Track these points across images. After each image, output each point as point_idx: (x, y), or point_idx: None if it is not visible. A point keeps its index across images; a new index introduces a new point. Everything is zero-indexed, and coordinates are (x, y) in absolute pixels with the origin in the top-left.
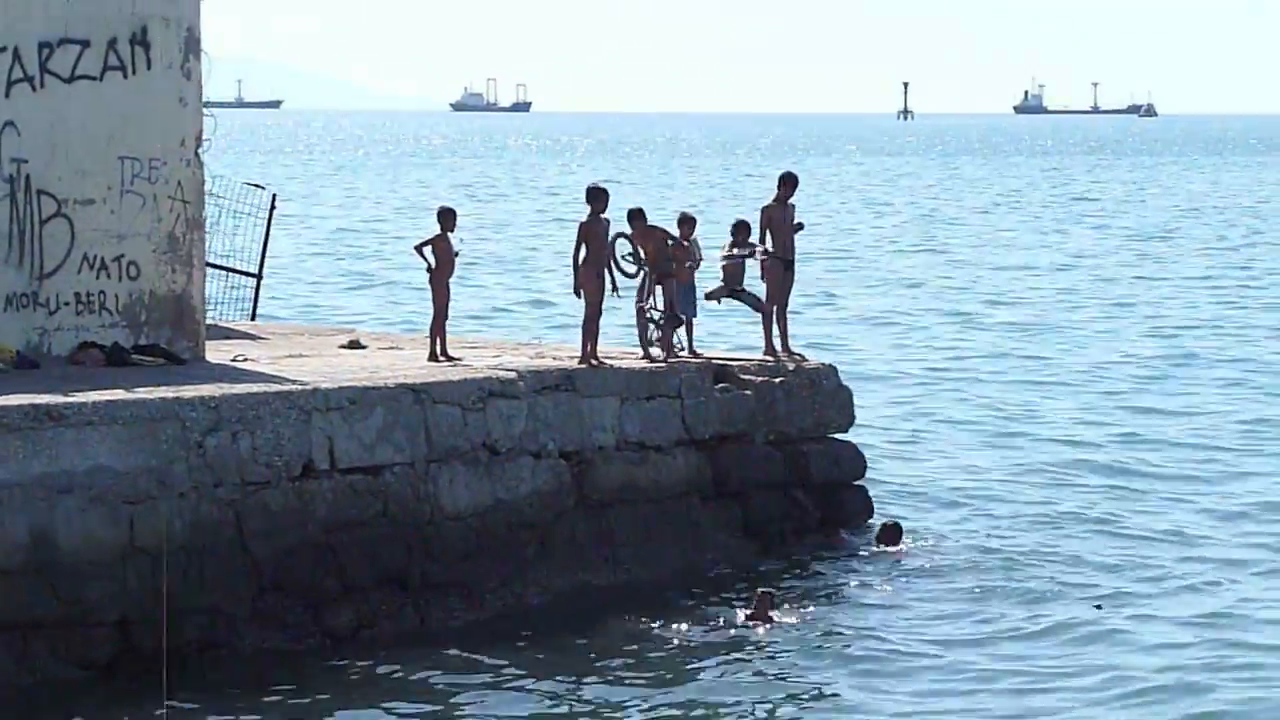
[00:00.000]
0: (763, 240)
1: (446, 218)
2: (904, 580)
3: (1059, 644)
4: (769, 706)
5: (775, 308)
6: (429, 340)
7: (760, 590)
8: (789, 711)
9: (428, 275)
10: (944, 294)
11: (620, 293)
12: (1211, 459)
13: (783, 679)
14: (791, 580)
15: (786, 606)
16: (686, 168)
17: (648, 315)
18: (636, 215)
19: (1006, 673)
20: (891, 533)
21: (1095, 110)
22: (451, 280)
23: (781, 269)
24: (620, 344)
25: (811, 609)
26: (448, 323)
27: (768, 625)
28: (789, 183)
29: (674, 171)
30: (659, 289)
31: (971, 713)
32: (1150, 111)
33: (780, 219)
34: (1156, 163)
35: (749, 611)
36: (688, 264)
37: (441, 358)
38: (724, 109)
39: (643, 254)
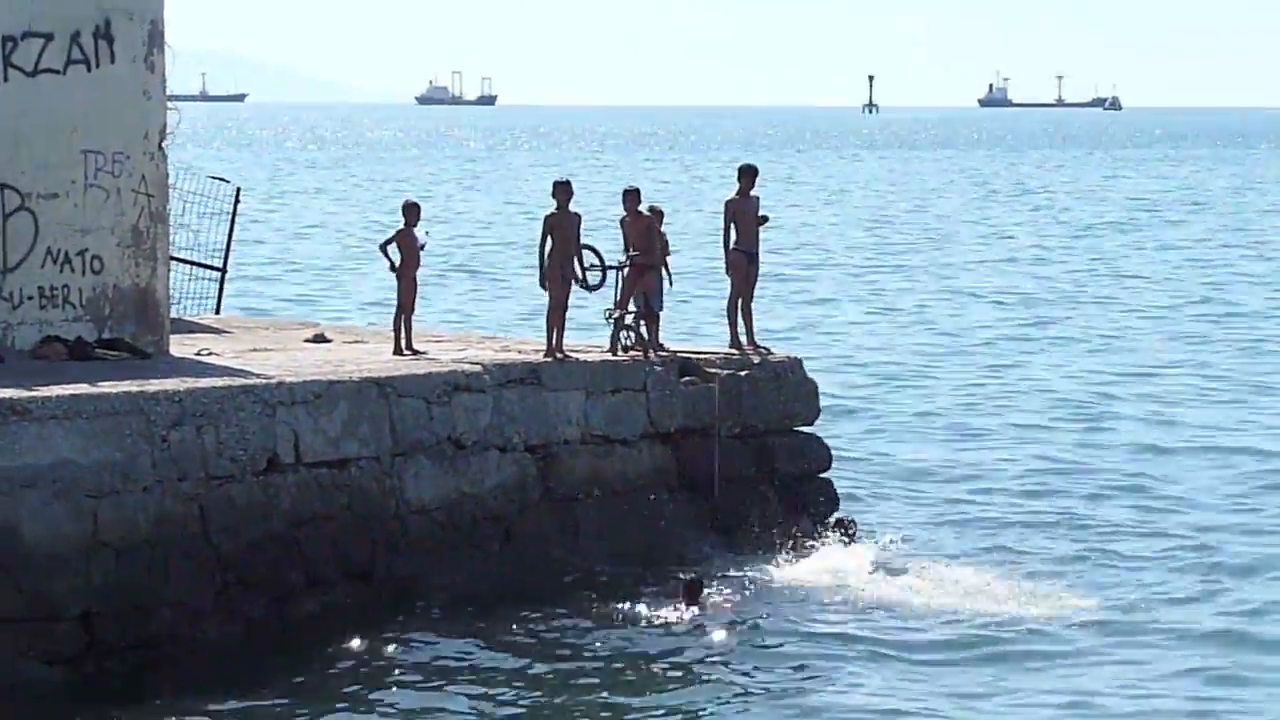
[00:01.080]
0: (727, 232)
1: (410, 212)
2: (854, 576)
3: (989, 657)
4: (695, 701)
5: (740, 300)
6: (393, 334)
7: (689, 579)
8: (707, 706)
9: (392, 270)
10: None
11: (587, 286)
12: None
13: (709, 675)
14: (743, 571)
15: (722, 596)
16: (648, 161)
17: (619, 322)
18: (630, 194)
19: (942, 669)
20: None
21: (1060, 104)
22: (417, 273)
23: (745, 262)
24: (586, 338)
25: (751, 600)
26: (413, 316)
27: (698, 612)
28: (749, 174)
29: (637, 164)
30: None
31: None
32: (1115, 105)
33: (744, 211)
34: (1110, 157)
35: (679, 601)
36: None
37: (407, 351)
38: (691, 102)
39: (625, 243)
